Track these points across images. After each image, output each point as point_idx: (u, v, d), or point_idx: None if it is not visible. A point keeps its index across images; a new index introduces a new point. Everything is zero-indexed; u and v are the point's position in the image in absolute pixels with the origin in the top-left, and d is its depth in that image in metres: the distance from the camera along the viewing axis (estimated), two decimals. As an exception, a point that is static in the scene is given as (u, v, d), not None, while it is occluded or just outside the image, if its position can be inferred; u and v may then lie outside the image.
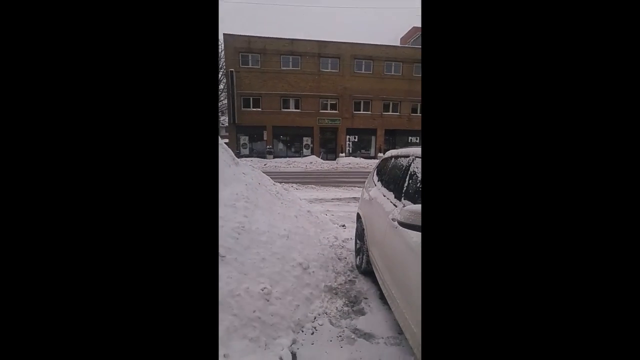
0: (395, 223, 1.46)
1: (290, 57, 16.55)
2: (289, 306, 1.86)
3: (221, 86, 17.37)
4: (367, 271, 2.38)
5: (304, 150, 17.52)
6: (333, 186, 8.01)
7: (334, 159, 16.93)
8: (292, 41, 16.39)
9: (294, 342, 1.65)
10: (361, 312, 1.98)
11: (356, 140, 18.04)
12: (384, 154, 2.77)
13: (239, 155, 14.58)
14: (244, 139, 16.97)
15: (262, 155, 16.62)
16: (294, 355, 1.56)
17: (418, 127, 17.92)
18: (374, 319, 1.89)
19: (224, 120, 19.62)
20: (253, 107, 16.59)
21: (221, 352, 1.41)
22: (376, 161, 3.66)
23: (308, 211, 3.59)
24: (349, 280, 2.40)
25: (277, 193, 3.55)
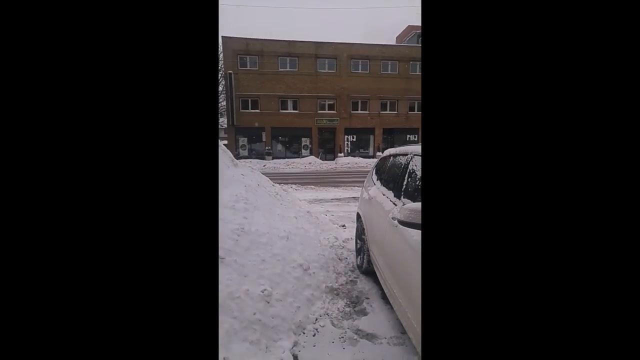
0: (395, 222, 1.45)
1: (288, 58, 16.61)
2: (290, 308, 1.85)
3: (220, 88, 17.41)
4: (368, 271, 2.37)
5: (303, 150, 17.54)
6: (332, 186, 8.01)
7: (333, 159, 16.94)
8: (290, 43, 16.45)
9: (295, 344, 1.63)
10: (363, 313, 1.97)
11: (354, 140, 18.07)
12: (382, 152, 2.76)
13: (238, 156, 14.61)
14: (242, 141, 16.99)
15: (261, 156, 16.63)
16: (295, 358, 1.54)
17: (416, 125, 17.99)
18: (376, 319, 1.88)
19: (222, 121, 19.64)
20: (251, 109, 16.62)
21: (221, 355, 1.39)
22: (375, 160, 3.65)
23: (308, 212, 3.58)
24: (350, 281, 2.39)
25: (277, 194, 3.54)
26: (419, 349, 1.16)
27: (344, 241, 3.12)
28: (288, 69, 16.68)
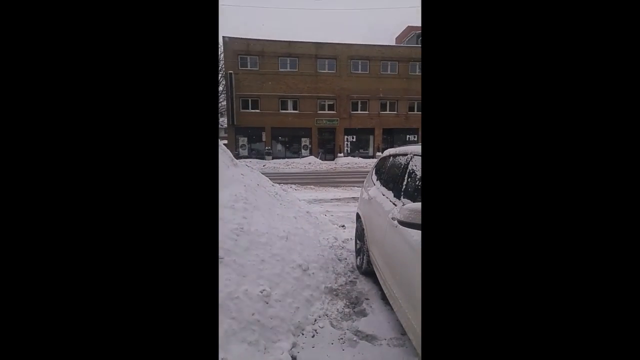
0: (395, 222, 1.45)
1: (288, 59, 16.64)
2: (289, 308, 1.84)
3: (220, 88, 17.44)
4: (368, 271, 2.36)
5: (303, 151, 17.54)
6: (332, 186, 8.00)
7: (333, 159, 16.94)
8: (290, 43, 16.48)
9: (294, 345, 1.62)
10: (363, 314, 1.96)
11: (354, 140, 18.07)
12: (382, 153, 2.75)
13: (237, 156, 14.59)
14: (242, 140, 17.00)
15: (260, 156, 16.63)
16: (294, 359, 1.53)
17: (416, 125, 18.00)
18: (376, 320, 1.87)
19: (222, 121, 19.66)
20: (252, 109, 16.64)
21: (220, 356, 1.38)
22: (375, 160, 3.65)
23: (307, 212, 3.58)
24: (350, 281, 2.38)
25: (276, 194, 3.53)
26: (419, 351, 1.15)
27: (343, 241, 3.12)
28: (288, 69, 16.70)
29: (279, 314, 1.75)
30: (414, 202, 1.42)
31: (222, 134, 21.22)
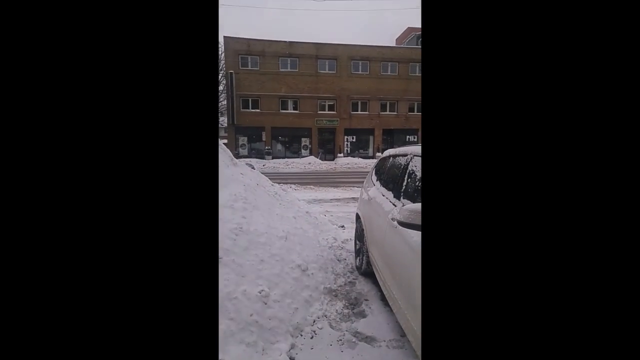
0: (395, 222, 1.44)
1: (289, 59, 16.65)
2: (288, 309, 1.83)
3: (221, 87, 17.45)
4: (368, 272, 2.35)
5: (303, 150, 17.53)
6: (332, 186, 8.00)
7: (333, 160, 16.94)
8: (290, 43, 16.49)
9: (292, 346, 1.61)
10: (362, 315, 1.95)
11: (354, 140, 18.07)
12: (382, 153, 2.75)
13: (237, 155, 14.59)
14: (242, 140, 17.00)
15: (260, 155, 16.62)
16: (292, 360, 1.52)
17: (415, 125, 18.01)
18: (375, 322, 1.86)
19: (223, 120, 19.66)
20: (252, 108, 16.64)
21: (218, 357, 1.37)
22: (374, 161, 3.65)
23: (307, 212, 3.57)
24: (349, 282, 2.37)
25: (276, 194, 3.52)
26: (419, 352, 1.15)
27: (343, 242, 3.11)
28: (289, 70, 16.71)
29: (278, 315, 1.74)
30: (413, 202, 1.42)
31: (222, 133, 21.22)
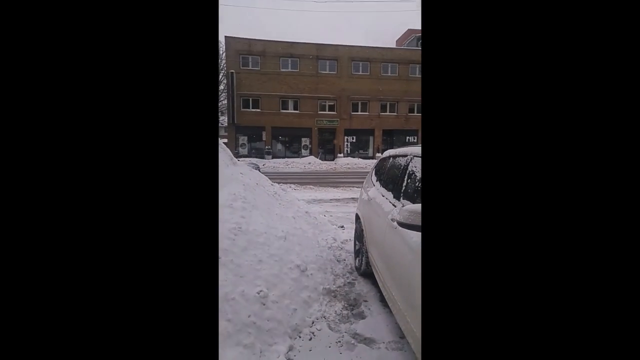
0: (395, 223, 1.43)
1: (289, 59, 16.68)
2: (286, 310, 1.81)
3: (221, 87, 17.46)
4: (367, 273, 2.33)
5: (303, 150, 17.54)
6: (331, 186, 7.99)
7: (332, 160, 16.95)
8: (291, 44, 16.53)
9: (290, 348, 1.60)
10: (361, 316, 1.93)
11: (354, 140, 18.08)
12: (381, 154, 2.74)
13: (237, 155, 14.60)
14: (242, 139, 17.01)
15: (260, 155, 16.62)
16: (291, 362, 1.50)
17: (415, 126, 18.04)
18: (374, 323, 1.84)
19: (223, 120, 19.67)
20: (252, 108, 16.66)
21: (215, 359, 1.35)
22: (374, 161, 3.64)
23: (306, 212, 3.55)
24: (348, 283, 2.35)
25: (275, 194, 3.51)
26: (419, 354, 1.14)
27: (342, 242, 3.09)
28: (289, 70, 16.74)
29: (276, 316, 1.72)
30: (413, 203, 1.40)
31: (222, 132, 21.23)
